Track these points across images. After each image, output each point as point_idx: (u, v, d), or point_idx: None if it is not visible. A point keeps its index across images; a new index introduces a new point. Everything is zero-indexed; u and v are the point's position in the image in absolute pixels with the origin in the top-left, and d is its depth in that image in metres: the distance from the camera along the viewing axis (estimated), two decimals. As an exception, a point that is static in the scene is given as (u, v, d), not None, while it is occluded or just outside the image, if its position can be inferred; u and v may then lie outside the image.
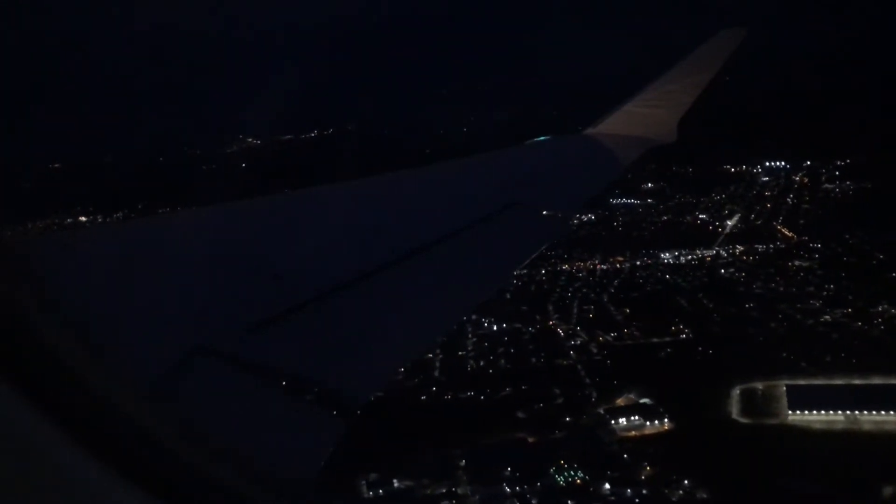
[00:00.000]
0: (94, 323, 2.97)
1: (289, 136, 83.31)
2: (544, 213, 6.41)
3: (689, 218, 59.13)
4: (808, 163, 65.46)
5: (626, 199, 64.93)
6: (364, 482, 28.72)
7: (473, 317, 45.04)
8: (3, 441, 1.65)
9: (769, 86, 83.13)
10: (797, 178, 63.76)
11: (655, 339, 38.31)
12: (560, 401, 33.09)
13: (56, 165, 75.51)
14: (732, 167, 68.35)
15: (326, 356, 3.50)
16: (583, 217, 62.97)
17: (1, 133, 71.99)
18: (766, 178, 65.15)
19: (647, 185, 66.70)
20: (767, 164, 66.87)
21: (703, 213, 59.60)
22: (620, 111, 9.14)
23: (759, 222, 56.14)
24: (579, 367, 36.44)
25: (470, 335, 42.60)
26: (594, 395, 33.30)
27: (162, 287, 3.68)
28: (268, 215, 5.21)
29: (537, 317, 43.97)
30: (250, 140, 79.98)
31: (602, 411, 31.82)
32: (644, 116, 9.04)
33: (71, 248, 4.06)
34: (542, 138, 8.86)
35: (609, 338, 39.34)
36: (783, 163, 66.37)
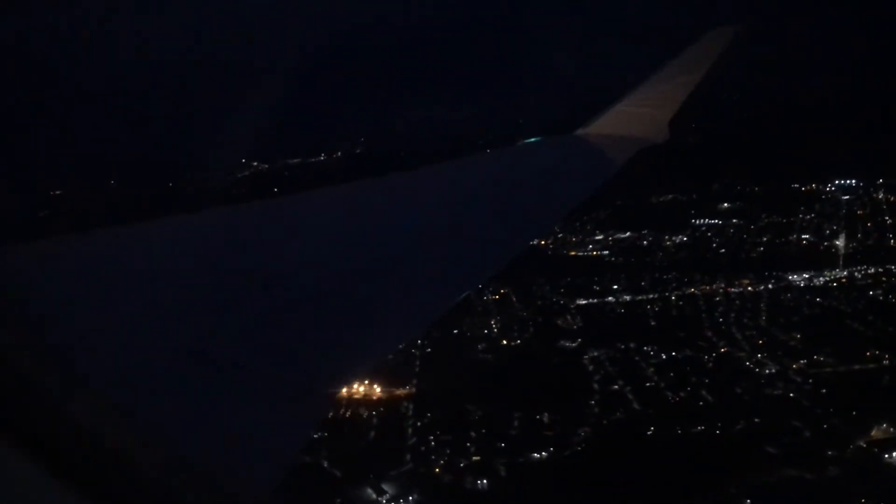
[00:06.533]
0: (83, 331, 2.96)
1: (297, 160, 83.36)
2: (534, 214, 6.42)
3: (793, 238, 59.03)
4: (881, 180, 66.27)
5: (709, 219, 64.92)
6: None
7: (632, 344, 44.08)
8: None
9: (821, 98, 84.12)
10: (881, 197, 64.37)
11: (858, 366, 37.66)
12: (807, 434, 32.12)
13: (58, 192, 72.44)
14: (801, 185, 68.70)
15: (311, 356, 3.54)
16: (674, 238, 62.99)
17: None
18: (847, 197, 65.54)
19: (722, 204, 66.85)
20: (838, 181, 67.31)
21: (804, 234, 59.56)
22: (611, 111, 9.23)
23: (870, 242, 56.33)
24: (797, 396, 35.57)
25: (643, 364, 41.51)
26: (840, 427, 32.38)
27: (148, 293, 3.63)
28: (258, 219, 5.22)
29: (701, 343, 43.13)
30: (255, 164, 79.80)
31: (864, 444, 30.92)
32: (635, 116, 9.10)
33: (58, 255, 3.98)
34: (533, 140, 8.99)
35: (801, 365, 38.62)
36: (855, 180, 66.86)
